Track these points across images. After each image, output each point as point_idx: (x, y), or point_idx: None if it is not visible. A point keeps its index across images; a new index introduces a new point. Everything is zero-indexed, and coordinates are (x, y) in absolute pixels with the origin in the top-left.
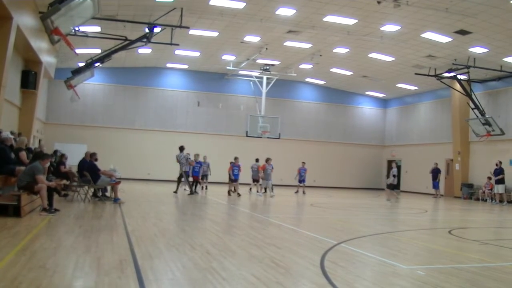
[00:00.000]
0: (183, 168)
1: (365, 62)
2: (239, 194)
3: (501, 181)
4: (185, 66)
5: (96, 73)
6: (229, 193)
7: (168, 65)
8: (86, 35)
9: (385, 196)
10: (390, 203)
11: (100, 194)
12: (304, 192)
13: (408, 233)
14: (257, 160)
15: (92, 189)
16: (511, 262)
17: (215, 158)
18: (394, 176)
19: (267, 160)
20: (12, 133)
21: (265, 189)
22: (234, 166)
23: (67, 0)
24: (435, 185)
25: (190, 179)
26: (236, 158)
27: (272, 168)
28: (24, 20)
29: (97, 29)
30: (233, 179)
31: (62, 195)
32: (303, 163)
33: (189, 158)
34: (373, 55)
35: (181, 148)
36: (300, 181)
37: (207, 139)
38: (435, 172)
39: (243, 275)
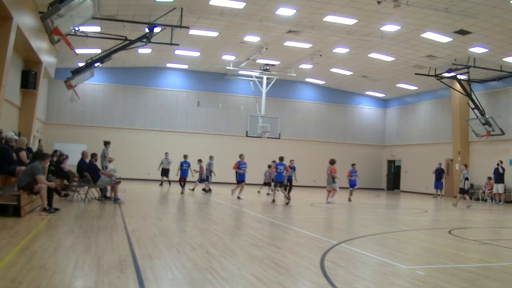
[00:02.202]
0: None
1: (365, 62)
2: (288, 200)
3: (501, 181)
4: (185, 66)
5: (96, 73)
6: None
7: (168, 65)
8: (86, 35)
9: (464, 203)
10: (469, 208)
11: (101, 194)
12: (350, 199)
13: (408, 233)
14: (275, 162)
15: (95, 189)
16: (511, 262)
17: (215, 158)
18: (466, 179)
19: (333, 162)
20: (16, 133)
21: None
22: (280, 165)
23: (67, 0)
24: (439, 185)
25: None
26: (281, 158)
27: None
28: (24, 20)
29: (97, 29)
30: (275, 181)
31: (63, 195)
32: (354, 165)
33: (107, 156)
34: (373, 55)
35: (105, 143)
36: (351, 185)
37: (207, 139)
38: (439, 172)
39: (243, 275)
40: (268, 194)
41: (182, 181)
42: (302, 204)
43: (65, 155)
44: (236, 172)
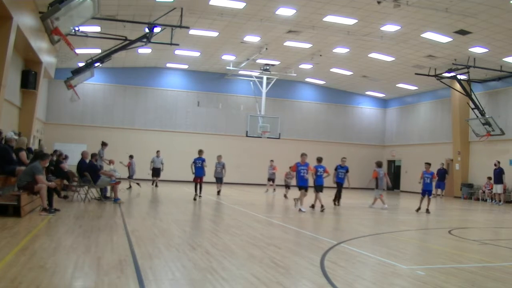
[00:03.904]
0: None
1: (365, 62)
2: (322, 207)
3: (500, 181)
4: (185, 66)
5: (96, 73)
6: (322, 208)
7: (168, 65)
8: (86, 35)
9: None
10: None
11: (101, 194)
12: (428, 210)
13: (408, 233)
14: (272, 161)
15: (95, 189)
16: (511, 262)
17: (214, 158)
18: None
19: (380, 164)
20: (15, 133)
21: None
22: (319, 167)
23: (67, 0)
24: (441, 186)
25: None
26: (320, 159)
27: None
28: (24, 20)
29: (97, 29)
30: (316, 185)
31: (62, 196)
32: (429, 164)
33: (102, 156)
34: (373, 55)
35: (102, 144)
36: (426, 191)
37: (207, 139)
38: (442, 173)
39: (243, 275)
40: (285, 196)
41: (197, 181)
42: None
43: (64, 155)
44: (298, 176)
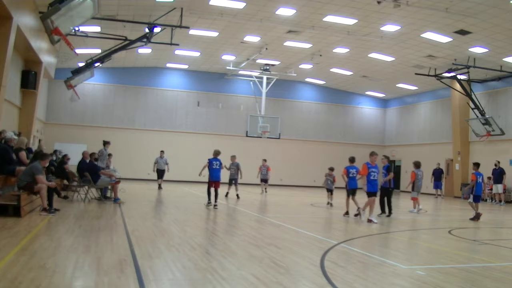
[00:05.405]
0: (99, 164)
1: (365, 62)
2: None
3: (500, 181)
4: (185, 66)
5: (96, 73)
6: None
7: (168, 65)
8: (86, 35)
9: None
10: None
11: (101, 194)
12: (478, 217)
13: (408, 233)
14: (265, 160)
15: (95, 189)
16: (511, 262)
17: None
18: None
19: (418, 164)
20: (15, 133)
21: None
22: (351, 168)
23: (67, 0)
24: (438, 185)
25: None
26: (352, 160)
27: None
28: (24, 20)
29: (97, 29)
30: (349, 188)
31: (62, 196)
32: (477, 165)
33: (105, 155)
34: (373, 55)
35: (104, 143)
36: (477, 198)
37: (207, 139)
38: (438, 173)
39: (243, 275)
40: (328, 203)
41: (213, 185)
42: (302, 204)
43: (67, 155)
44: (368, 181)
